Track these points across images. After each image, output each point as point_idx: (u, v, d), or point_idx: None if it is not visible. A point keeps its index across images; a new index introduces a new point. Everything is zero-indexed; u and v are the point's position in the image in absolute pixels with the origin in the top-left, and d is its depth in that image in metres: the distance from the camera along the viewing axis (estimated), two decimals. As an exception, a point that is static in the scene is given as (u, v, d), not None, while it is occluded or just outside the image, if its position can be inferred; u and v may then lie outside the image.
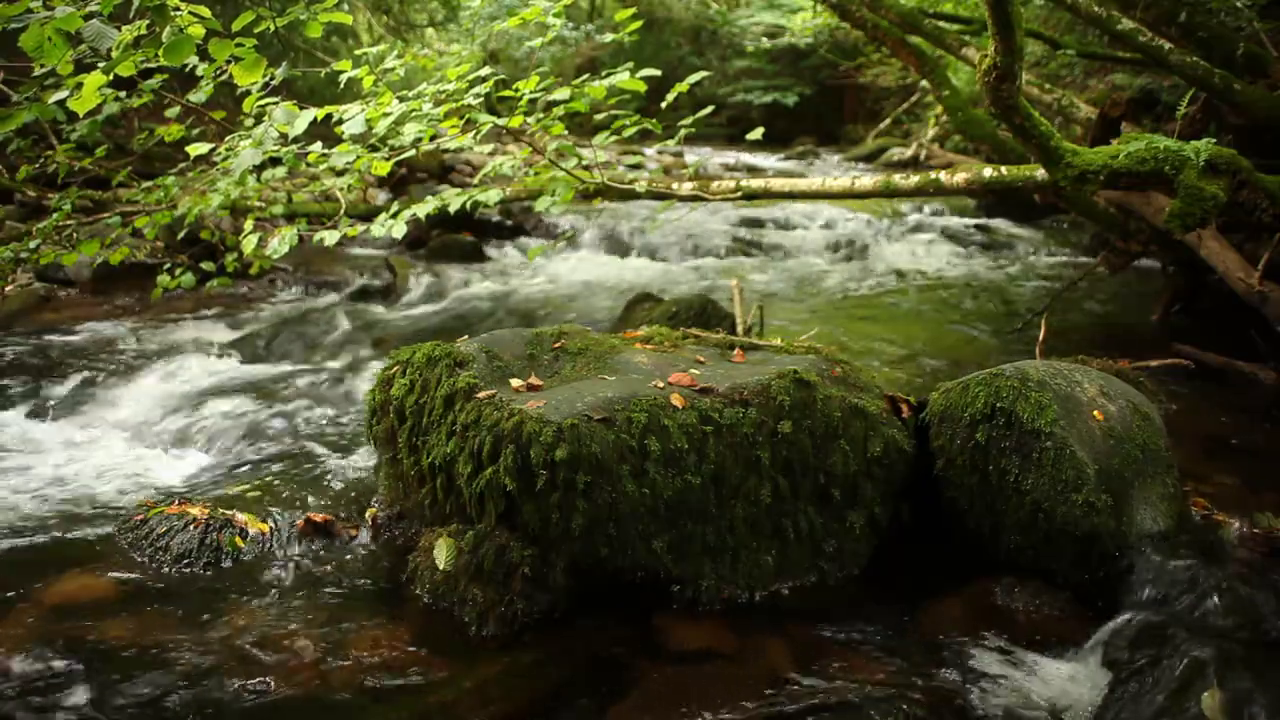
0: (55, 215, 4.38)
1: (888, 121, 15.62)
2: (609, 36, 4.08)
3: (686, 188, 4.56)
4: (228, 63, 2.69)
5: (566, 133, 3.80)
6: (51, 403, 4.01)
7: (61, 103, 2.82)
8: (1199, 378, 4.00)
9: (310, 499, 2.89)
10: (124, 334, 5.11)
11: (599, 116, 3.80)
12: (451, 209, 3.61)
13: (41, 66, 2.48)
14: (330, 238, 3.59)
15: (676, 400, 2.34)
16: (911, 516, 2.61)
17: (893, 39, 5.87)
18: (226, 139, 3.72)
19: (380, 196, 8.27)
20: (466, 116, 3.38)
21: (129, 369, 4.46)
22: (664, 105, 3.62)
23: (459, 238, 7.53)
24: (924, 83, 8.83)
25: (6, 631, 2.19)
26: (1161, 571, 2.25)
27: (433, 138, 3.46)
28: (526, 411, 2.25)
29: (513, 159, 3.93)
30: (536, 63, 13.82)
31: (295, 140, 3.32)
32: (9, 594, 2.35)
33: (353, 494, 2.97)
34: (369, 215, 4.27)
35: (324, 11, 2.95)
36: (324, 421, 3.73)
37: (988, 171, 4.26)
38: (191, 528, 2.56)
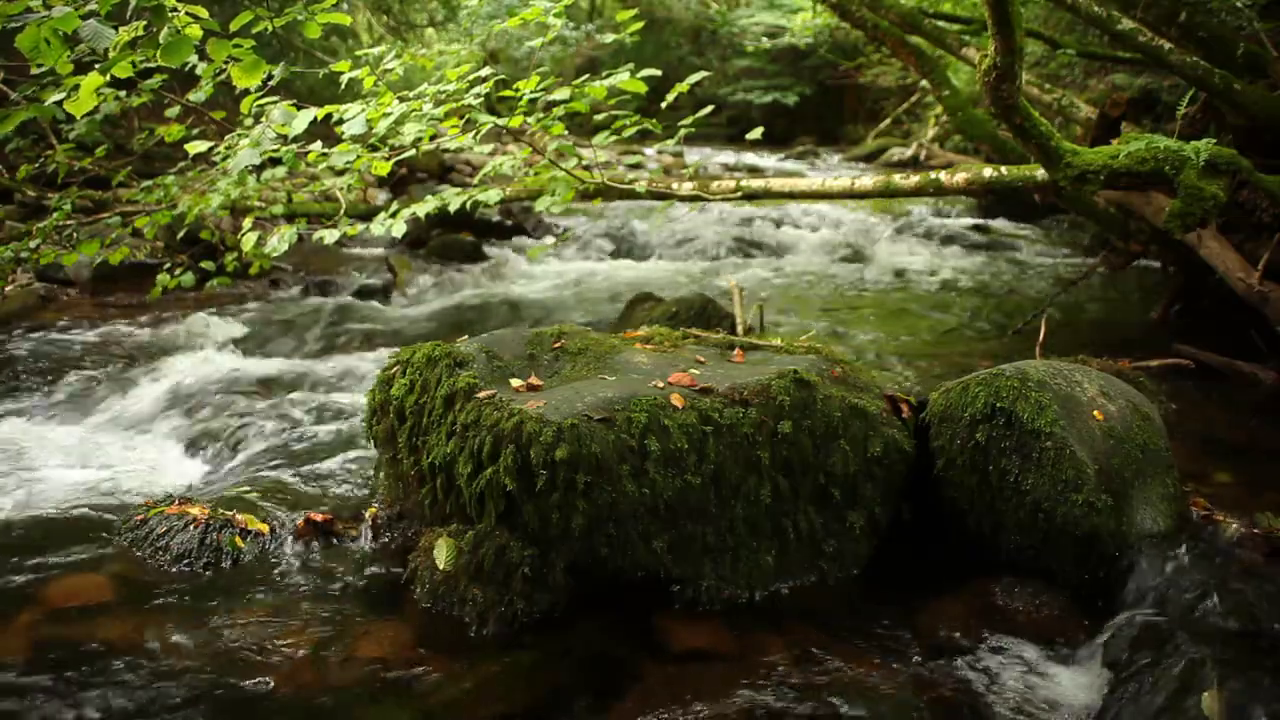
0: (55, 215, 4.38)
1: (888, 121, 15.64)
2: (609, 36, 4.08)
3: (686, 188, 4.56)
4: (226, 63, 2.69)
5: (566, 133, 3.80)
6: (51, 403, 4.01)
7: (60, 103, 2.81)
8: (1199, 378, 4.00)
9: (310, 499, 2.89)
10: (124, 334, 5.11)
11: (599, 116, 3.80)
12: (451, 208, 3.61)
13: (39, 66, 2.47)
14: (330, 236, 3.59)
15: (676, 400, 2.34)
16: (911, 516, 2.61)
17: (893, 39, 5.87)
18: (226, 139, 3.72)
19: (380, 196, 8.28)
20: (466, 116, 3.37)
21: (128, 369, 4.46)
22: (664, 105, 3.62)
23: (459, 237, 7.53)
24: (924, 83, 8.83)
25: (6, 631, 2.19)
26: (1161, 571, 2.25)
27: (433, 138, 3.46)
28: (526, 411, 2.25)
29: (513, 159, 3.92)
30: (536, 63, 13.83)
31: (295, 140, 3.32)
32: (9, 593, 2.35)
33: (353, 494, 2.97)
34: (369, 215, 4.26)
35: (322, 12, 2.95)
36: (324, 421, 3.73)
37: (988, 171, 4.26)
38: (191, 528, 2.56)
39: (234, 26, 2.82)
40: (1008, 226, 8.73)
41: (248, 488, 2.94)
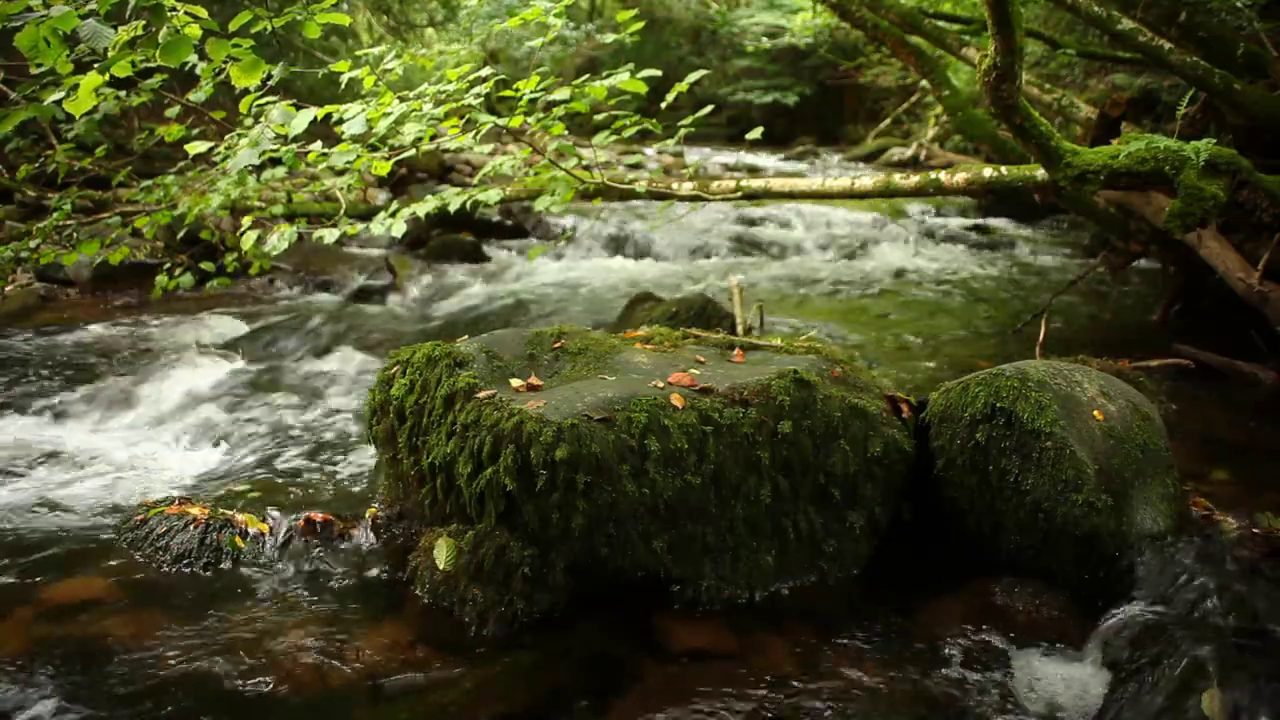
0: (55, 215, 4.38)
1: (888, 121, 15.63)
2: (609, 36, 4.08)
3: (686, 188, 4.56)
4: (226, 63, 2.69)
5: (566, 133, 3.80)
6: (51, 403, 4.01)
7: (60, 102, 2.82)
8: (1199, 378, 4.00)
9: (310, 499, 2.89)
10: (123, 334, 5.11)
11: (599, 116, 3.79)
12: (451, 208, 3.61)
13: (39, 66, 2.47)
14: (330, 236, 3.59)
15: (676, 400, 2.34)
16: (911, 516, 2.61)
17: (893, 39, 5.87)
18: (226, 139, 3.72)
19: (380, 196, 8.28)
20: (466, 116, 3.37)
21: (128, 369, 4.45)
22: (664, 105, 3.62)
23: (459, 237, 7.53)
24: (924, 83, 8.83)
25: (6, 631, 2.19)
26: (1162, 571, 2.25)
27: (433, 138, 3.46)
28: (526, 411, 2.25)
29: (513, 159, 3.92)
30: (536, 63, 13.82)
31: (295, 140, 3.32)
32: (9, 593, 2.35)
33: (353, 494, 2.97)
34: (369, 215, 4.27)
35: (322, 12, 2.95)
36: (324, 421, 3.73)
37: (988, 171, 4.26)
38: (191, 528, 2.56)
39: (233, 26, 2.82)
40: (1008, 226, 8.73)
41: (248, 487, 2.94)
